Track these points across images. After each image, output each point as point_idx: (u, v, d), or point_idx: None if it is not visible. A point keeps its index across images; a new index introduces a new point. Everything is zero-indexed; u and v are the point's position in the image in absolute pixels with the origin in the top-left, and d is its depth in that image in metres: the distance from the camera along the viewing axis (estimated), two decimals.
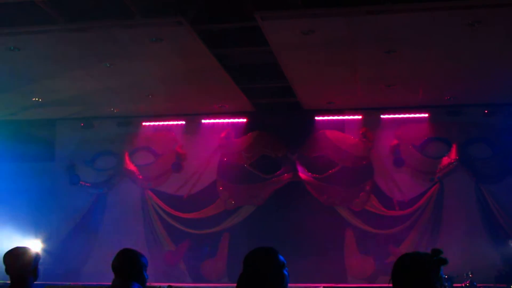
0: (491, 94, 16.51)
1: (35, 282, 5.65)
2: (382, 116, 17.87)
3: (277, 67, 14.48)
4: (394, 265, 4.50)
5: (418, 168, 17.51)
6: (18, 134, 19.02)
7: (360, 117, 17.97)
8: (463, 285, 13.33)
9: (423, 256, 4.45)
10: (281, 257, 4.82)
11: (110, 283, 5.66)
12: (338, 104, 17.58)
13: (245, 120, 18.53)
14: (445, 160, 17.33)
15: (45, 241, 18.41)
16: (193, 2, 11.92)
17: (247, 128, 18.52)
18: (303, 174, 17.89)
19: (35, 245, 17.54)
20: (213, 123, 18.69)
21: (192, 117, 18.76)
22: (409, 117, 17.75)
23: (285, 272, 4.77)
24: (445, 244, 16.20)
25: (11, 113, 18.35)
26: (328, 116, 18.09)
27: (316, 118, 18.11)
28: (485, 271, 15.55)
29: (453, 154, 17.25)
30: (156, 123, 19.01)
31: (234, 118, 18.56)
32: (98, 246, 18.31)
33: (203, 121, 18.73)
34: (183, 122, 18.90)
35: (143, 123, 19.03)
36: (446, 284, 11.48)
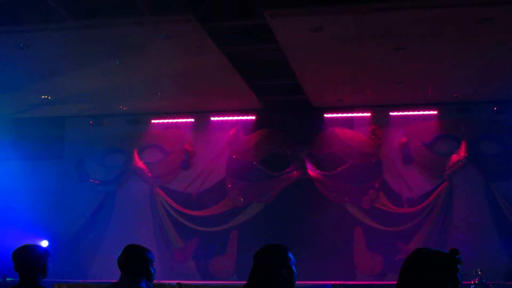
0: (501, 91, 16.47)
1: (43, 280, 5.67)
2: (391, 113, 17.84)
3: (286, 64, 14.47)
4: (404, 261, 4.48)
5: (427, 165, 17.49)
6: (27, 132, 19.05)
7: (369, 114, 17.95)
8: (472, 282, 13.31)
9: (431, 252, 4.44)
10: (290, 254, 4.86)
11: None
12: (347, 101, 17.58)
13: (254, 117, 18.53)
14: (454, 157, 17.30)
15: (54, 238, 18.44)
16: None
17: (256, 125, 18.52)
18: (312, 171, 17.87)
19: (43, 242, 17.59)
20: (222, 120, 18.69)
21: (201, 115, 18.77)
22: (418, 114, 17.72)
23: (294, 269, 4.81)
24: (454, 242, 16.24)
25: (20, 110, 18.39)
26: (337, 113, 18.08)
27: (325, 115, 18.10)
28: (494, 269, 15.53)
29: (462, 151, 17.22)
30: (165, 121, 19.04)
31: (243, 116, 18.56)
32: (106, 244, 18.33)
33: (212, 118, 18.73)
34: (192, 120, 18.89)
35: (152, 121, 19.05)
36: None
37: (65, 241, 18.51)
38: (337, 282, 14.98)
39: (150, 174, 18.84)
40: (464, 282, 12.36)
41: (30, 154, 19.00)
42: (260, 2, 11.51)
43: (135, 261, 5.62)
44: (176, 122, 19.00)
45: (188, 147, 18.68)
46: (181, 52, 13.60)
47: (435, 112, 17.61)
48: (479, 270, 13.56)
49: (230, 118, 18.62)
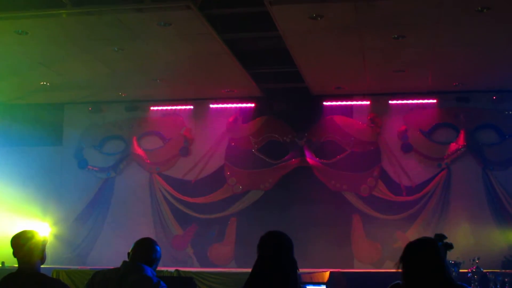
0: (500, 80, 16.49)
1: (42, 266, 5.67)
2: (390, 102, 17.85)
3: (285, 52, 14.46)
4: (407, 250, 4.51)
5: (426, 154, 17.50)
6: (26, 118, 19.05)
7: (368, 102, 17.96)
8: (469, 270, 13.28)
9: (434, 241, 4.48)
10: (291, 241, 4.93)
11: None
12: (346, 89, 17.58)
13: (253, 105, 18.53)
14: (453, 146, 17.32)
15: (52, 225, 18.48)
16: None
17: (255, 113, 18.53)
18: (310, 159, 17.89)
19: (42, 229, 17.61)
20: (221, 107, 18.69)
21: (200, 102, 18.77)
22: (417, 103, 17.73)
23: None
24: (452, 230, 16.26)
25: (19, 97, 18.38)
26: (336, 101, 18.08)
27: (324, 103, 18.10)
28: (492, 257, 15.54)
29: (461, 140, 17.24)
30: (164, 108, 19.03)
31: (242, 103, 18.57)
32: (105, 231, 18.37)
33: (211, 105, 18.73)
34: (191, 107, 18.89)
35: (151, 108, 19.04)
36: (452, 269, 11.48)
37: (63, 228, 18.55)
38: (335, 270, 14.98)
39: (148, 161, 18.84)
40: (461, 270, 12.41)
41: (29, 141, 18.99)
42: None
43: (149, 254, 5.70)
44: (175, 109, 18.99)
45: (187, 134, 18.67)
46: (180, 39, 13.57)
47: (434, 101, 17.62)
48: (476, 259, 13.55)
49: (230, 105, 18.61)
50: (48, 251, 5.78)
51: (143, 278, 5.54)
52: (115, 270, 5.69)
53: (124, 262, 5.70)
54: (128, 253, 5.75)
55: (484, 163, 17.15)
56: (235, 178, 18.30)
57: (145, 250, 5.71)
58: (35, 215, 18.12)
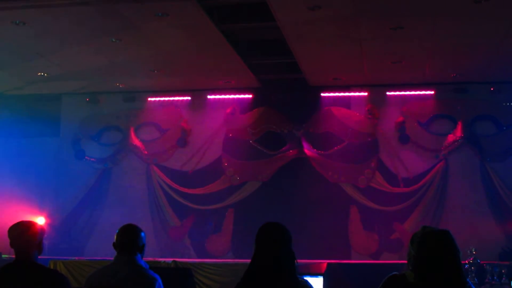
0: (497, 71, 16.46)
1: (39, 256, 5.67)
2: (388, 93, 17.85)
3: (283, 43, 14.44)
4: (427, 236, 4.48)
5: (423, 145, 17.50)
6: (23, 109, 19.01)
7: (366, 93, 17.95)
8: (467, 262, 13.33)
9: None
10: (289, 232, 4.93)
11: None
12: (344, 80, 17.56)
13: (251, 96, 18.52)
14: (451, 138, 17.31)
15: (50, 215, 18.46)
16: None
17: (252, 104, 18.51)
18: (308, 150, 17.88)
19: (40, 219, 17.60)
20: (219, 98, 18.67)
21: (198, 93, 18.76)
22: (415, 94, 17.72)
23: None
24: (449, 221, 16.30)
25: (16, 87, 18.34)
26: (334, 92, 18.08)
27: (322, 94, 18.10)
28: (489, 249, 15.56)
29: (458, 132, 17.24)
30: (162, 99, 19.01)
31: (240, 94, 18.55)
32: (102, 221, 18.36)
33: (208, 96, 18.71)
34: (189, 98, 18.88)
35: (149, 99, 19.02)
36: None
37: (61, 218, 18.55)
38: (332, 261, 15.00)
39: (146, 152, 18.83)
40: None
41: (26, 132, 18.97)
42: None
43: (135, 240, 5.69)
44: (173, 100, 18.96)
45: (185, 125, 18.66)
46: (178, 29, 13.54)
47: (432, 92, 17.61)
48: (473, 250, 13.58)
49: (227, 96, 18.60)
50: (45, 241, 5.77)
51: (140, 269, 5.59)
52: (111, 266, 5.73)
53: (117, 256, 5.73)
54: (114, 244, 5.76)
55: (481, 154, 17.15)
56: (232, 169, 18.29)
57: (133, 239, 5.72)
58: (33, 205, 18.10)
